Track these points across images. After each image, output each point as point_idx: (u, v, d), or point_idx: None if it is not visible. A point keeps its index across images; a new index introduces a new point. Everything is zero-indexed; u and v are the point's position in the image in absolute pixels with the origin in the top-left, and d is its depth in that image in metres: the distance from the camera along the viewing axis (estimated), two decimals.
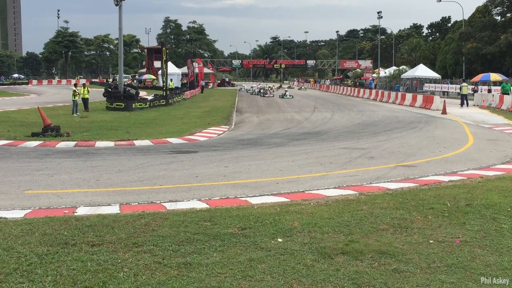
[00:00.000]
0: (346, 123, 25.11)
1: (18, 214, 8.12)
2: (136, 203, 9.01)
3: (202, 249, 6.36)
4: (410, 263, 5.95)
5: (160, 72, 56.42)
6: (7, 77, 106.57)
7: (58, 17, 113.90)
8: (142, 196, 9.58)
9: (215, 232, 7.03)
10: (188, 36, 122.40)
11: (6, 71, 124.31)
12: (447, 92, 52.64)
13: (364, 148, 16.45)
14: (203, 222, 7.49)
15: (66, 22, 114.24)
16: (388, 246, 6.48)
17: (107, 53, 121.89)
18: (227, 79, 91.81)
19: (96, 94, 42.53)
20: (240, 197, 9.49)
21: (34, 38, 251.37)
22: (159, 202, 9.09)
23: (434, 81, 56.88)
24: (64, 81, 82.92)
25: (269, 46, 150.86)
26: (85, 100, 30.40)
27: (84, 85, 32.03)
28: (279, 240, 6.75)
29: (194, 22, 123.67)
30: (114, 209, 8.47)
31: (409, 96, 40.11)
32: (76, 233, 6.91)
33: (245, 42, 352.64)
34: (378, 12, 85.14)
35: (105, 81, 75.75)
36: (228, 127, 23.45)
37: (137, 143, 17.78)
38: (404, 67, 69.19)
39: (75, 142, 17.84)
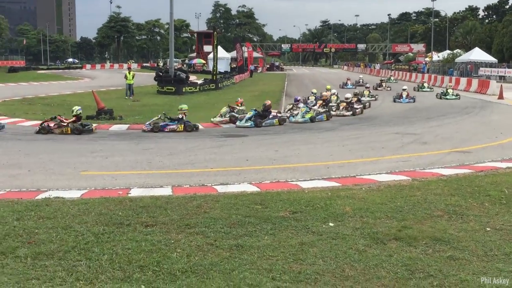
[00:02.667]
0: (398, 108, 24.65)
1: (75, 194, 8.35)
2: (188, 186, 9.11)
3: (253, 231, 6.38)
4: (466, 250, 5.81)
5: (209, 56, 56.77)
6: (62, 61, 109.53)
7: (111, 2, 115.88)
8: (194, 179, 9.68)
9: (266, 215, 7.04)
10: (237, 20, 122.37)
11: (61, 56, 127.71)
12: (504, 76, 50.85)
13: (417, 133, 16.12)
14: (254, 205, 7.52)
15: (119, 7, 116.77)
16: (442, 233, 6.35)
17: (158, 37, 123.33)
18: (277, 63, 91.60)
19: (147, 78, 43.17)
20: (291, 181, 9.46)
21: (87, 23, 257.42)
22: (210, 184, 9.17)
23: (490, 65, 55.01)
24: (116, 66, 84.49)
25: (319, 30, 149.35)
26: (128, 86, 29.82)
27: (129, 69, 31.41)
28: (331, 224, 6.71)
29: (244, 6, 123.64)
30: (166, 191, 8.60)
31: (463, 80, 38.99)
32: (131, 214, 7.06)
33: (294, 26, 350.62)
34: None
35: (155, 65, 76.75)
36: (277, 110, 23.35)
37: None
38: (459, 50, 67.26)
39: (128, 125, 18.18)
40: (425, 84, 37.73)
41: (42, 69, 76.81)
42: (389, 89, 35.92)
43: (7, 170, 10.40)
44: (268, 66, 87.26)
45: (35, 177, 9.78)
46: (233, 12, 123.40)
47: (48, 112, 22.05)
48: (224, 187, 8.89)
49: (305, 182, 9.33)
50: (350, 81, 39.45)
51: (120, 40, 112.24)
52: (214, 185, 9.13)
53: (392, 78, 49.85)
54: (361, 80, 41.50)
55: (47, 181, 9.45)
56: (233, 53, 66.44)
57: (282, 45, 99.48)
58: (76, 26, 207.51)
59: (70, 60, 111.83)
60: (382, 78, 44.38)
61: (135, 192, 8.50)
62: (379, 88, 35.82)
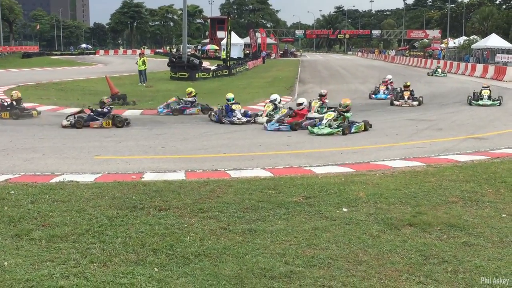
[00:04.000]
0: None
1: (88, 178, 8.38)
2: (201, 170, 9.11)
3: (266, 216, 6.37)
4: (481, 236, 5.75)
5: (223, 42, 56.59)
6: (75, 47, 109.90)
7: None
8: (207, 164, 9.68)
9: (280, 200, 7.02)
10: (251, 6, 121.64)
11: (75, 42, 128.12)
12: None
13: (432, 119, 15.97)
14: (267, 190, 7.50)
15: None
16: (457, 219, 6.28)
17: (171, 23, 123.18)
18: (293, 49, 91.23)
19: (160, 64, 43.21)
20: (304, 167, 9.42)
21: (101, 9, 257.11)
22: (223, 169, 9.15)
23: (507, 51, 54.26)
24: (129, 51, 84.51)
25: (333, 16, 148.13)
26: (140, 72, 29.57)
27: (141, 55, 31.21)
28: (344, 209, 6.67)
29: None
30: (179, 176, 8.60)
31: (479, 67, 38.53)
32: (144, 198, 7.07)
33: (308, 12, 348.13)
34: None
35: (168, 51, 76.71)
36: (291, 97, 23.31)
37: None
38: (475, 37, 66.38)
39: (141, 110, 18.22)
40: (439, 70, 37.33)
41: (56, 54, 77.11)
42: None
43: (22, 154, 10.47)
44: (281, 52, 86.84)
45: (49, 161, 9.83)
46: None
47: (62, 97, 22.20)
48: (237, 172, 8.88)
49: (319, 168, 9.28)
50: (388, 85, 23.43)
51: (133, 26, 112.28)
52: (227, 170, 9.11)
53: (439, 70, 38.15)
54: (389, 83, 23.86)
55: (61, 165, 9.49)
56: (246, 39, 66.19)
57: (296, 31, 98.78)
58: (89, 12, 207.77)
59: (84, 45, 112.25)
60: (429, 71, 39.15)
61: (148, 177, 8.52)
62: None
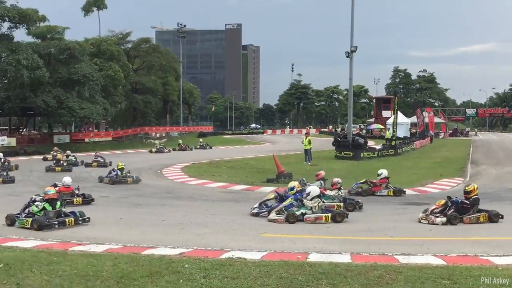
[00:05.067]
0: None
1: (256, 255, 8.54)
2: (367, 254, 8.83)
3: None
4: None
5: (388, 121, 56.07)
6: (245, 126, 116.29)
7: (292, 71, 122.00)
8: (373, 247, 9.37)
9: None
10: (417, 85, 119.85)
11: (245, 121, 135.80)
12: None
13: None
14: (441, 280, 7.00)
15: (299, 75, 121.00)
16: None
17: (336, 103, 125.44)
18: (468, 129, 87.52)
19: (325, 143, 43.78)
20: (481, 256, 8.68)
21: (270, 91, 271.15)
22: (390, 254, 8.78)
23: None
24: (295, 131, 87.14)
25: (508, 93, 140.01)
26: (306, 151, 30.02)
27: (307, 134, 31.91)
28: None
29: (424, 70, 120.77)
30: (345, 258, 8.42)
31: None
32: (310, 279, 6.99)
33: (480, 90, 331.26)
34: None
35: (333, 130, 77.77)
36: (462, 179, 22.06)
37: None
38: None
39: None
40: None
41: (228, 134, 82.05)
42: None
43: (195, 229, 11.07)
44: (450, 131, 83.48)
45: (219, 236, 10.25)
46: (413, 77, 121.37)
47: (232, 175, 23.33)
48: (406, 258, 8.45)
49: (497, 258, 8.49)
50: None
51: (300, 106, 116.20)
52: (395, 254, 8.72)
53: None
54: None
55: (230, 241, 9.84)
56: (413, 118, 64.89)
57: (467, 110, 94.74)
58: (259, 94, 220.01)
59: (253, 125, 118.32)
60: None
61: (313, 257, 8.45)
62: None
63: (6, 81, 41.87)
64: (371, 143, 42.90)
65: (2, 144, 39.03)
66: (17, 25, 40.79)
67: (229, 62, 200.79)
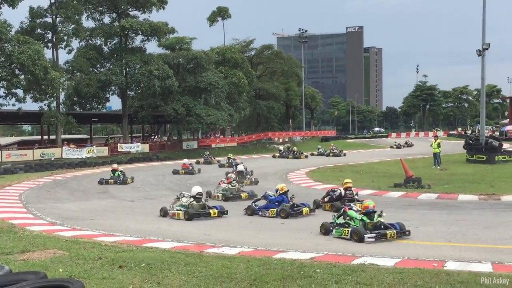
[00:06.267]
0: None
1: (389, 262, 8.33)
2: (510, 263, 8.26)
3: None
4: None
5: None
6: (368, 130, 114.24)
7: (417, 72, 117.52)
8: None
9: None
10: None
11: (368, 125, 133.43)
12: None
13: None
14: None
15: (425, 76, 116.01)
16: None
17: (465, 104, 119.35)
18: None
19: (454, 146, 41.85)
20: None
21: (393, 94, 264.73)
22: None
23: None
24: (421, 134, 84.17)
25: None
26: (435, 155, 28.87)
27: (435, 137, 30.74)
28: None
29: None
30: (486, 267, 7.95)
31: None
32: None
33: None
34: None
35: (463, 133, 74.02)
36: None
37: (504, 198, 16.55)
38: None
39: (437, 194, 17.68)
40: None
41: (350, 138, 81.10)
42: None
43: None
44: None
45: (349, 242, 10.11)
46: None
47: (358, 179, 22.98)
48: None
49: None
50: None
51: (426, 108, 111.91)
52: None
53: None
54: None
55: (361, 246, 9.69)
56: None
57: None
58: (382, 97, 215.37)
59: (376, 129, 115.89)
60: None
61: (450, 265, 8.07)
62: None
63: (139, 91, 44.60)
64: (506, 145, 40.28)
65: (137, 151, 41.66)
66: (149, 38, 43.40)
67: (351, 65, 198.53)
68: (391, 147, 52.30)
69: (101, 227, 12.77)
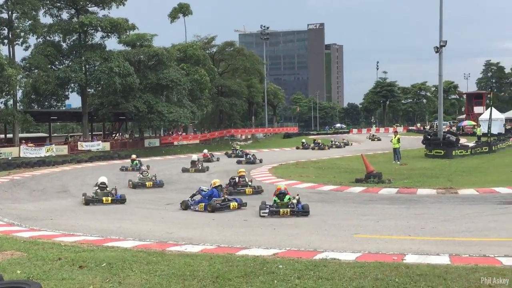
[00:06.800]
0: None
1: (349, 256, 8.44)
2: (467, 255, 8.48)
3: None
4: None
5: (481, 118, 53.69)
6: (330, 126, 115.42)
7: (377, 69, 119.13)
8: (473, 248, 8.99)
9: None
10: (511, 78, 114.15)
11: (330, 121, 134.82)
12: None
13: None
14: None
15: (385, 72, 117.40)
16: None
17: (424, 100, 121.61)
18: None
19: (414, 142, 42.67)
20: None
21: (354, 90, 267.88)
22: (492, 255, 8.38)
23: None
24: (382, 130, 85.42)
25: None
26: (394, 150, 29.42)
27: (395, 133, 31.39)
28: None
29: None
30: (443, 260, 8.13)
31: None
32: (408, 281, 6.79)
33: None
34: None
35: (422, 128, 75.49)
36: None
37: (461, 191, 16.98)
38: None
39: (397, 189, 17.98)
40: None
41: (312, 134, 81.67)
42: None
43: (287, 230, 11.13)
44: None
45: (312, 237, 10.22)
46: (507, 71, 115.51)
47: (320, 175, 23.20)
48: (509, 260, 8.03)
49: None
50: None
51: (386, 104, 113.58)
52: (497, 256, 8.31)
53: None
54: None
55: (323, 242, 9.78)
56: (508, 114, 61.80)
57: None
58: (343, 93, 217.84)
59: (338, 125, 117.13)
60: None
61: (410, 259, 8.23)
62: None
63: (100, 88, 43.88)
64: (462, 140, 41.25)
65: (98, 149, 41.05)
66: (109, 34, 42.74)
67: (312, 62, 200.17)
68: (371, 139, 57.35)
69: (60, 227, 12.55)
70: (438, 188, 17.71)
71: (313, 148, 44.31)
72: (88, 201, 16.43)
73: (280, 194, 13.15)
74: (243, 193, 17.64)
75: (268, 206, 13.13)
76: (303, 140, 48.52)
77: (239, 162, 31.49)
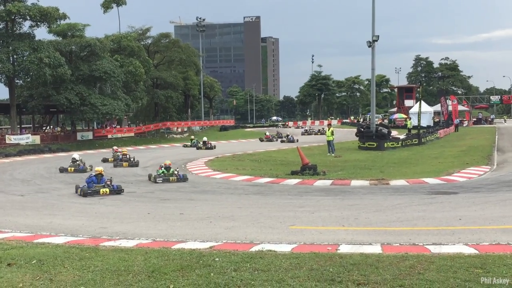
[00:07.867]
0: None
1: (285, 248, 8.53)
2: (398, 244, 8.76)
3: None
4: None
5: (411, 111, 55.56)
6: (266, 119, 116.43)
7: (312, 62, 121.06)
8: (403, 237, 9.29)
9: (489, 281, 6.40)
10: (440, 73, 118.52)
11: (266, 114, 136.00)
12: None
13: None
14: (473, 269, 6.90)
15: (320, 66, 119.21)
16: None
17: (357, 93, 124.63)
18: (492, 116, 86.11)
19: (347, 134, 43.64)
20: None
21: (290, 83, 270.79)
22: (421, 244, 8.70)
23: None
24: (317, 122, 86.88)
25: None
26: (329, 142, 30.04)
27: (329, 126, 31.97)
28: None
29: (447, 58, 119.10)
30: (376, 249, 8.36)
31: None
32: (341, 271, 6.94)
33: (504, 76, 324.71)
34: None
35: (356, 121, 77.34)
36: (489, 167, 21.73)
37: (392, 182, 17.54)
38: None
39: (331, 180, 18.36)
40: None
41: (249, 127, 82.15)
42: None
43: (223, 222, 11.11)
44: (475, 119, 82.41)
45: (248, 229, 10.25)
46: (435, 65, 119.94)
47: (256, 168, 23.34)
48: (437, 248, 8.36)
49: None
50: None
51: (321, 97, 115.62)
52: (426, 244, 8.63)
53: None
54: None
55: (259, 234, 9.84)
56: (436, 107, 64.19)
57: (491, 97, 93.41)
58: (279, 86, 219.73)
59: (274, 118, 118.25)
60: None
61: (344, 249, 8.41)
62: None
63: (29, 80, 42.31)
64: (394, 133, 42.57)
65: (27, 142, 39.64)
66: (38, 23, 41.22)
67: (249, 55, 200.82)
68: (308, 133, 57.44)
69: None
70: (370, 179, 18.22)
71: (282, 141, 43.78)
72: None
73: (167, 168, 19.72)
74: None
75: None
76: (267, 132, 48.86)
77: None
